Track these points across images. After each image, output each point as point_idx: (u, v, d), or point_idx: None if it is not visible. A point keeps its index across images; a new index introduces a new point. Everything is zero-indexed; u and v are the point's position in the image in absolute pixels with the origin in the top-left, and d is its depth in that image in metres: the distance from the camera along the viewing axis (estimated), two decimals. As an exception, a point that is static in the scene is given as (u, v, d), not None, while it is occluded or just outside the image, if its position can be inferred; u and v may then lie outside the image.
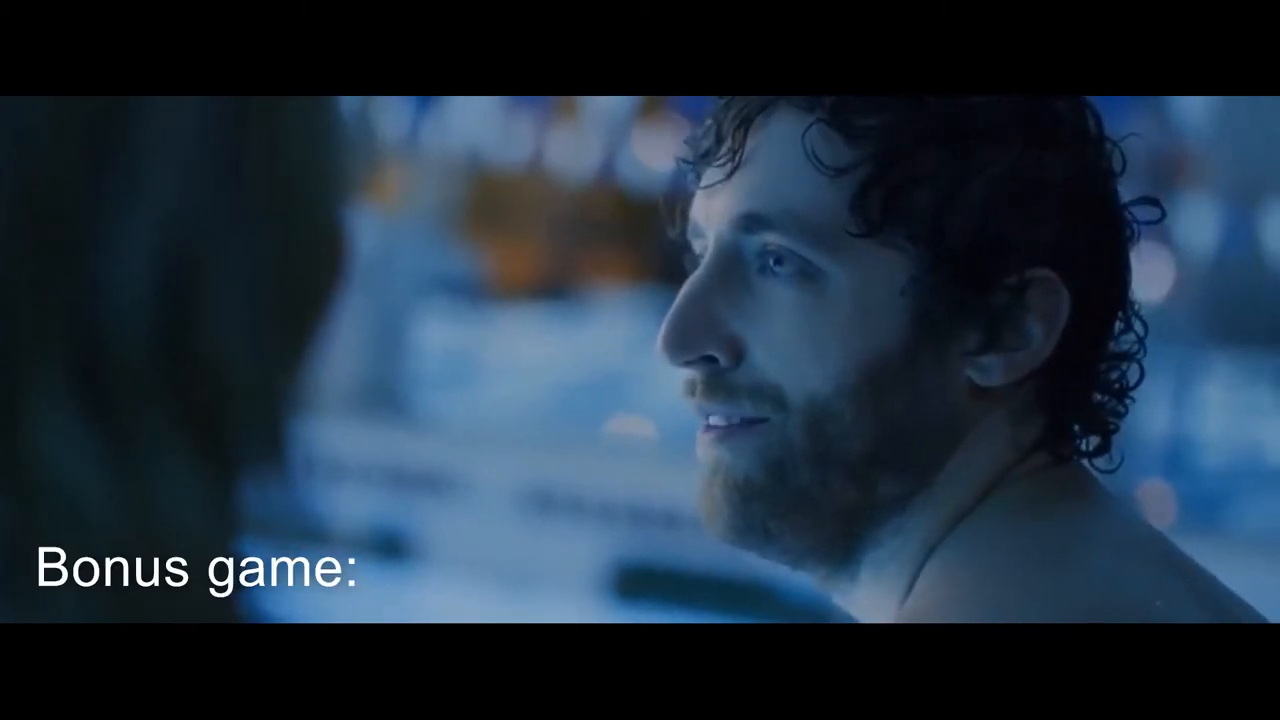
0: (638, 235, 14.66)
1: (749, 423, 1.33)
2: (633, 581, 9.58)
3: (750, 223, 1.33)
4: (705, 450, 1.35)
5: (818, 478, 1.32)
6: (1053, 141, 1.33)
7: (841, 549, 1.34)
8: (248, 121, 0.65)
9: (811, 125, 1.32)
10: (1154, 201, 1.38)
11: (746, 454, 1.33)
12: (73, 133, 0.62)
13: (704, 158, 1.36)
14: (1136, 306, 1.37)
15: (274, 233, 0.65)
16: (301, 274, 0.65)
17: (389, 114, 9.62)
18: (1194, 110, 9.78)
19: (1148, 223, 1.38)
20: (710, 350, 1.34)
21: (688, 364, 1.34)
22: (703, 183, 1.36)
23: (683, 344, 1.34)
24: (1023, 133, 1.32)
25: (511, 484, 10.10)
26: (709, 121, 1.37)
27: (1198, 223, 9.45)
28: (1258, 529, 9.36)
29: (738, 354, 1.33)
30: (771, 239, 1.32)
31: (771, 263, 1.33)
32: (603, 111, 10.42)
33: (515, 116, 10.41)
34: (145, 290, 0.62)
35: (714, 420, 1.35)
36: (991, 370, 1.33)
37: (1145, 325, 1.37)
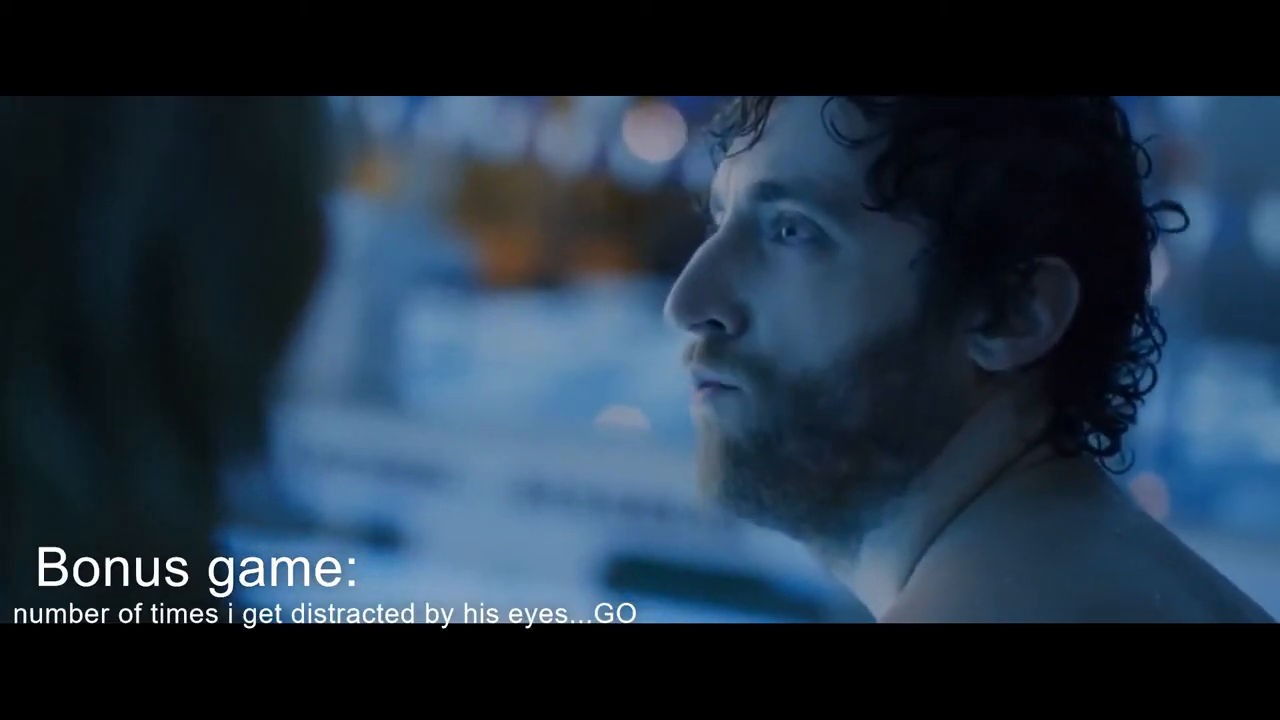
0: (631, 226, 14.67)
1: (728, 387, 1.34)
2: (624, 572, 9.58)
3: (767, 190, 1.35)
4: (697, 409, 1.36)
5: (808, 448, 1.33)
6: (1070, 134, 1.34)
7: (836, 519, 1.34)
8: (227, 113, 0.64)
9: (831, 99, 1.33)
10: (1177, 207, 1.39)
11: (731, 414, 1.34)
12: (52, 127, 0.62)
13: (729, 130, 1.38)
14: (1156, 313, 1.37)
15: (255, 224, 0.64)
16: (283, 265, 0.65)
17: (381, 105, 9.62)
18: (1188, 106, 9.79)
19: (1171, 230, 1.39)
20: (717, 314, 1.35)
21: (694, 328, 1.36)
22: (729, 152, 1.38)
23: (691, 307, 1.35)
24: (1039, 121, 1.33)
25: (503, 475, 10.10)
26: (736, 99, 1.38)
27: (1192, 217, 9.44)
28: (1250, 523, 9.37)
29: (743, 321, 1.34)
30: (787, 206, 1.34)
31: (784, 232, 1.34)
32: (596, 103, 10.41)
33: (508, 108, 10.41)
34: (126, 283, 0.62)
35: (705, 379, 1.36)
36: (996, 354, 1.33)
37: (1164, 333, 1.37)
